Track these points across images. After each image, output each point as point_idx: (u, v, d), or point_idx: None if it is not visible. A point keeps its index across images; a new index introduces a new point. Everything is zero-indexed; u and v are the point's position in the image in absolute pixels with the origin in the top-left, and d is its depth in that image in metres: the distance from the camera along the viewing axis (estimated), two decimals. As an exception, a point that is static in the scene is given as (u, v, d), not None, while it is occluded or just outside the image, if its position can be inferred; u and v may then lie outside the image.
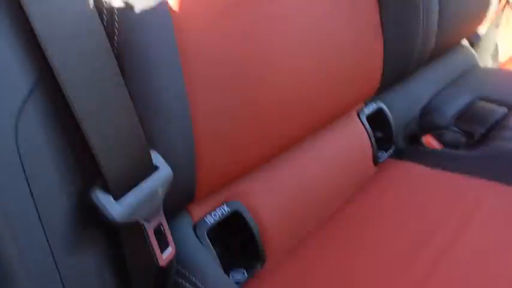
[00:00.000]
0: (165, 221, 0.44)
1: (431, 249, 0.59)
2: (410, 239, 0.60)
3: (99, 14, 0.38)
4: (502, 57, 1.32)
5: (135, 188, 0.41)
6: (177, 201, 0.51)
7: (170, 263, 0.46)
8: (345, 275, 0.56)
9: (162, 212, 0.44)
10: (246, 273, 0.59)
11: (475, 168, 0.74)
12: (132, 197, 0.40)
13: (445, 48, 0.96)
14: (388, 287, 0.54)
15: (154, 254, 0.43)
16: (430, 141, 0.84)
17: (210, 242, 0.54)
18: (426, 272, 0.55)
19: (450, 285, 0.53)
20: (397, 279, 0.55)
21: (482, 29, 1.21)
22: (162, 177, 0.42)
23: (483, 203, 0.66)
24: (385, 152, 0.83)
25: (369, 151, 0.79)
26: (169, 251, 0.45)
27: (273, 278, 0.58)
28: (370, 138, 0.79)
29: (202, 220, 0.55)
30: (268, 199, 0.62)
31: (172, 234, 0.46)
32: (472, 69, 1.08)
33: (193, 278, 0.47)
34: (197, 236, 0.54)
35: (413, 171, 0.77)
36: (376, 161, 0.80)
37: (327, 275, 0.57)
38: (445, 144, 0.84)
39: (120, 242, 0.42)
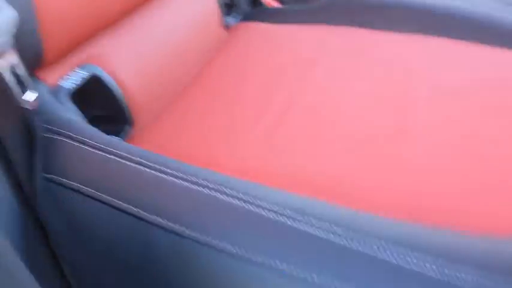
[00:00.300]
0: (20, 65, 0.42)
1: (283, 95, 0.61)
2: (263, 91, 0.63)
3: None
4: None
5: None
6: (24, 65, 0.47)
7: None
8: (206, 133, 0.58)
9: (13, 52, 0.41)
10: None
11: (318, 18, 0.78)
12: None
13: None
14: (242, 137, 0.56)
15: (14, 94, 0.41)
16: (269, 1, 0.89)
17: (75, 107, 0.53)
18: (277, 120, 0.57)
19: (298, 132, 0.54)
20: (248, 132, 0.56)
21: None
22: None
23: (328, 45, 0.70)
24: (234, 17, 0.87)
25: (218, 16, 0.81)
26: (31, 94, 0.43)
27: (144, 140, 0.59)
28: (219, 4, 0.81)
29: (58, 86, 0.53)
30: (127, 63, 0.61)
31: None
32: None
33: (62, 130, 0.46)
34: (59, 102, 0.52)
35: (260, 30, 0.81)
36: (226, 25, 0.83)
37: (192, 136, 0.58)
38: (282, 2, 0.89)
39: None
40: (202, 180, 0.37)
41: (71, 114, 0.50)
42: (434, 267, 0.29)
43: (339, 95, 0.58)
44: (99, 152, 0.42)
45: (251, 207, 0.34)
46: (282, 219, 0.33)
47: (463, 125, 0.49)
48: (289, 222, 0.32)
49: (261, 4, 0.90)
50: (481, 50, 0.61)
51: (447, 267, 0.28)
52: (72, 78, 0.55)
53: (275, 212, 0.33)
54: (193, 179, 0.37)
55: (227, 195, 0.36)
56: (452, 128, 0.49)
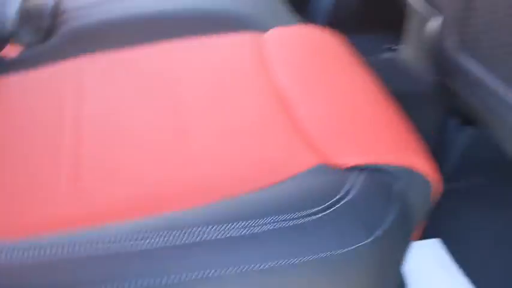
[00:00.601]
0: None
1: (68, 139, 0.53)
2: (46, 142, 0.52)
3: None
4: None
5: None
6: None
7: None
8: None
9: None
10: None
11: (67, 52, 0.66)
12: None
13: None
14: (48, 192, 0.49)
15: None
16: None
17: None
18: (74, 162, 0.50)
19: (100, 163, 0.50)
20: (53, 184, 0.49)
21: None
22: None
23: (89, 76, 0.61)
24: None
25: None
26: None
27: None
28: None
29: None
30: None
31: None
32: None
33: None
34: None
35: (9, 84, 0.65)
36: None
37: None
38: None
39: None
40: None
41: None
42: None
43: (121, 118, 0.55)
44: None
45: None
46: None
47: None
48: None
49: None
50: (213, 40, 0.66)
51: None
52: None
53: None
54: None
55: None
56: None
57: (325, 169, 0.45)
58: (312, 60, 0.60)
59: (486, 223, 0.84)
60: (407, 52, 0.99)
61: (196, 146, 0.49)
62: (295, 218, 0.39)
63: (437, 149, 0.90)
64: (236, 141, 0.50)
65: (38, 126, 0.53)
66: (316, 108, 0.52)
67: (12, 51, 0.68)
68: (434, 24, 0.73)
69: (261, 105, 0.54)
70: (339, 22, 1.38)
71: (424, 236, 0.79)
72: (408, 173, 0.47)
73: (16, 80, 0.63)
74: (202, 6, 0.69)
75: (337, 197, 0.41)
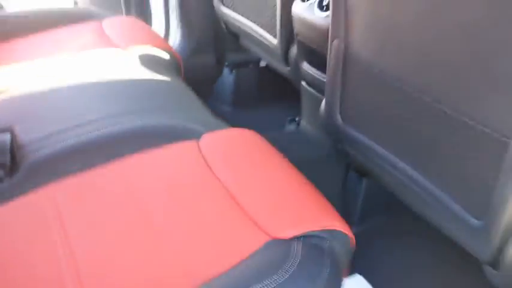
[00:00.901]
0: None
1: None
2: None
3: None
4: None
5: None
6: None
7: None
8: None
9: None
10: None
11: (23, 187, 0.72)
12: None
13: None
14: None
15: None
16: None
17: None
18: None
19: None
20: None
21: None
22: None
23: (64, 206, 0.67)
24: None
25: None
26: None
27: None
28: None
29: None
30: None
31: None
32: None
33: None
34: None
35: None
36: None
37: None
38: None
39: None
40: None
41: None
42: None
43: (104, 232, 0.65)
44: None
45: None
46: None
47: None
48: None
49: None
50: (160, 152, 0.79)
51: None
52: None
53: None
54: None
55: None
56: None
57: (275, 243, 0.61)
58: (243, 156, 0.77)
59: (395, 251, 1.04)
60: (307, 124, 1.21)
61: (169, 244, 0.62)
62: (275, 280, 0.54)
63: (344, 199, 1.10)
64: (199, 234, 0.64)
65: (33, 254, 0.62)
66: (256, 195, 0.69)
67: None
68: (323, 103, 0.94)
69: (213, 199, 0.69)
70: (242, 100, 1.59)
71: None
72: (331, 233, 0.64)
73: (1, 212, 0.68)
74: (144, 124, 0.83)
75: (290, 262, 0.57)
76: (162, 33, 1.62)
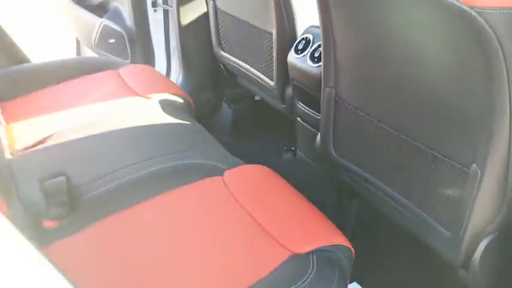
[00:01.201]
0: None
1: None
2: None
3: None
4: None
5: None
6: None
7: None
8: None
9: None
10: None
11: None
12: None
13: None
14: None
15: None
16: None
17: None
18: None
19: None
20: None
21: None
22: None
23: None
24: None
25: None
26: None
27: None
28: None
29: None
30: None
31: None
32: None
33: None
34: None
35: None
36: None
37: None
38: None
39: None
40: None
41: None
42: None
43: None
44: None
45: None
46: None
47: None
48: None
49: None
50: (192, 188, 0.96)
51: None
52: None
53: None
54: None
55: None
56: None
57: (295, 257, 0.78)
58: (261, 188, 0.95)
59: (385, 261, 1.22)
60: (303, 154, 1.39)
61: (207, 262, 0.79)
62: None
63: (337, 218, 1.28)
64: (233, 251, 0.81)
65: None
66: (275, 219, 0.86)
67: (49, 224, 0.90)
68: (318, 138, 1.12)
69: (241, 225, 0.86)
70: (240, 131, 1.77)
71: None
72: (337, 246, 0.82)
73: (68, 243, 0.83)
74: (177, 164, 1.00)
75: (308, 272, 0.74)
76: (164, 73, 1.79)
